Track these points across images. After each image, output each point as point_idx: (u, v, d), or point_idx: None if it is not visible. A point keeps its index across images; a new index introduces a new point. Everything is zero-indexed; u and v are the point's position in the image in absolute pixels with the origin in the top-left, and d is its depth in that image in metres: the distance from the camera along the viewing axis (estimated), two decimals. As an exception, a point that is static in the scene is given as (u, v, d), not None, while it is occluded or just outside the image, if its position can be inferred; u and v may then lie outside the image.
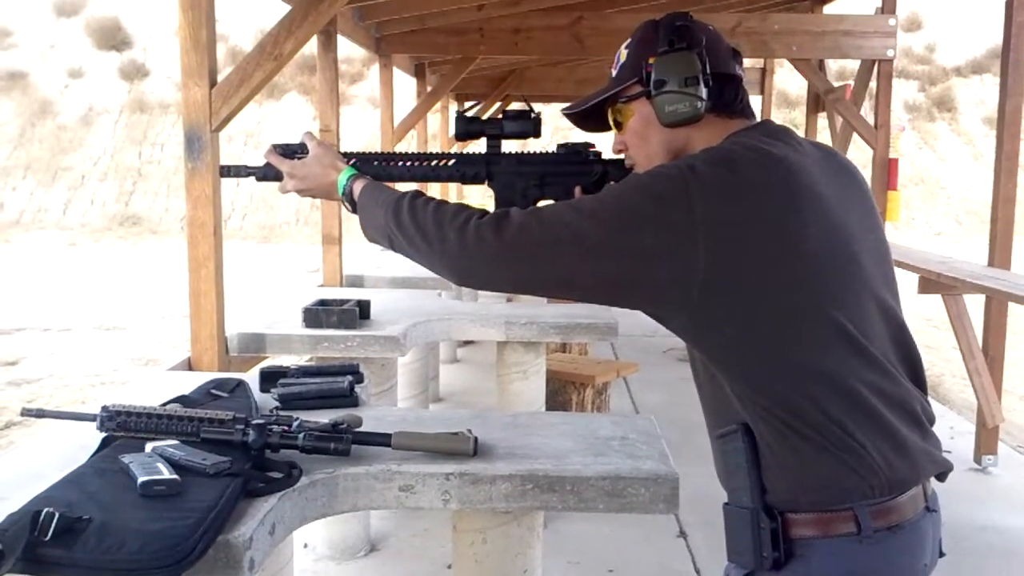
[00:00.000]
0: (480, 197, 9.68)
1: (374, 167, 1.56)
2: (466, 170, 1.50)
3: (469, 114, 1.51)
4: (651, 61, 1.34)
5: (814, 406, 1.21)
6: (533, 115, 1.49)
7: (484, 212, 1.31)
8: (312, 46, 4.35)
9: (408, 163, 1.53)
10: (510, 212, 1.28)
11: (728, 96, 1.35)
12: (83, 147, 20.33)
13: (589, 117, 1.46)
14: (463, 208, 1.32)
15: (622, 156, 1.47)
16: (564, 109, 1.46)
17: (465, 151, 1.59)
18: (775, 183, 1.23)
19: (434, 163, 1.52)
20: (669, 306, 1.25)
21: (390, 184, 1.50)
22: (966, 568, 3.37)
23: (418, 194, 1.39)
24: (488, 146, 1.51)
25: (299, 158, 1.56)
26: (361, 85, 21.03)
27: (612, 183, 1.31)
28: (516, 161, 1.50)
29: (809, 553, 1.22)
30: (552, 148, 1.56)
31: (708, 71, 1.32)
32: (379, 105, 6.35)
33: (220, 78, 2.87)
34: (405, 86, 7.49)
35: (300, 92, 21.12)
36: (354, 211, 1.48)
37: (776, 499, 1.24)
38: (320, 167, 1.53)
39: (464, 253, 1.29)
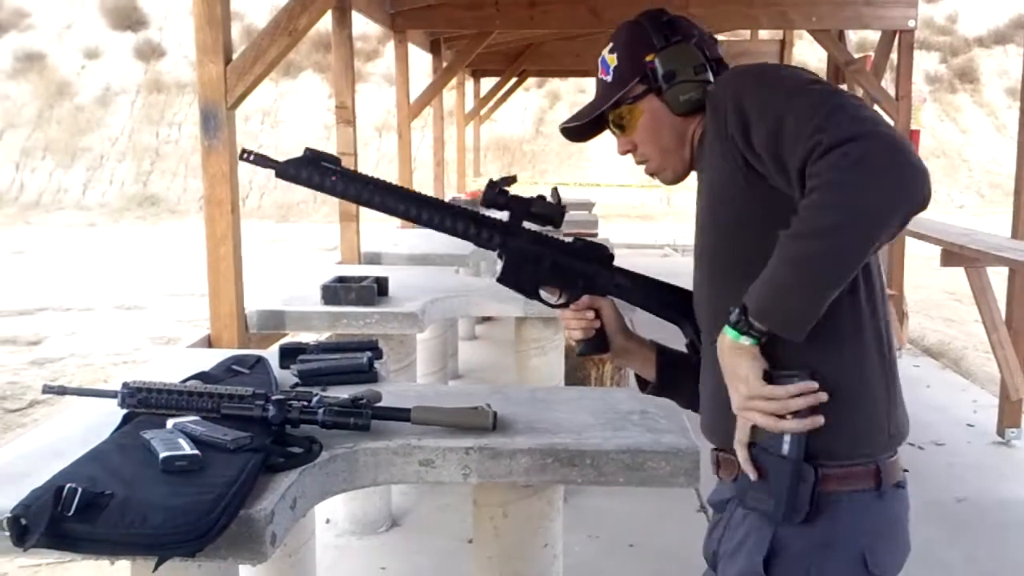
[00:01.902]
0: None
1: (383, 194, 1.49)
2: (483, 232, 1.48)
3: (498, 179, 1.49)
4: (650, 59, 1.37)
5: (882, 345, 1.27)
6: (561, 208, 1.47)
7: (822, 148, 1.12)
8: (327, 23, 4.33)
9: (428, 210, 1.48)
10: (844, 138, 1.09)
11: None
12: (101, 128, 20.40)
13: (583, 129, 1.48)
14: (822, 181, 1.11)
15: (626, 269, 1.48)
16: (564, 124, 1.47)
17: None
18: None
19: (452, 213, 1.48)
20: None
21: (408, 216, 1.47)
22: (989, 542, 3.35)
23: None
24: (511, 217, 1.48)
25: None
26: (377, 62, 20.95)
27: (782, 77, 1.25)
28: (533, 239, 1.48)
29: (835, 511, 1.24)
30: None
31: (708, 56, 1.37)
32: (395, 82, 6.32)
33: (235, 55, 2.85)
34: (420, 62, 7.44)
35: (315, 70, 21.08)
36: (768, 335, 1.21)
37: (814, 447, 1.22)
38: (736, 360, 1.24)
39: (878, 179, 1.08)
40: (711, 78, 1.35)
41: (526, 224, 1.47)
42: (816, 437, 1.23)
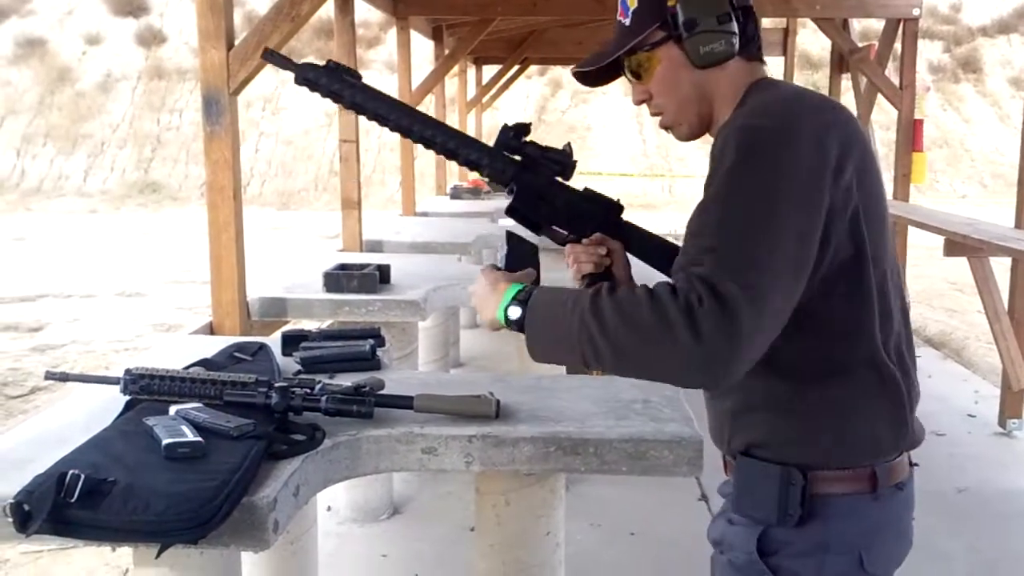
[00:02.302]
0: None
1: (399, 114, 1.47)
2: (496, 163, 1.45)
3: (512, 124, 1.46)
4: (672, 3, 1.28)
5: (890, 357, 1.24)
6: (573, 160, 1.45)
7: (676, 290, 1.11)
8: (329, 10, 4.30)
9: (440, 133, 1.46)
10: (715, 284, 1.08)
11: (751, 30, 1.30)
12: (102, 114, 20.36)
13: (598, 72, 1.40)
14: (659, 298, 1.11)
15: None
16: (576, 67, 1.40)
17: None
18: (859, 129, 1.25)
19: (466, 146, 1.46)
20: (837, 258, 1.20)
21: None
22: (991, 532, 3.35)
23: (610, 287, 1.18)
24: (524, 159, 1.45)
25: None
26: (378, 50, 20.88)
27: (732, 178, 1.17)
28: (548, 180, 1.45)
29: (828, 513, 1.24)
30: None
31: (736, 4, 1.28)
32: (396, 69, 6.30)
33: (237, 41, 2.84)
34: (422, 49, 7.42)
35: (317, 57, 20.99)
36: (518, 327, 1.26)
37: (809, 457, 1.24)
38: (489, 291, 1.33)
39: (708, 337, 1.07)
40: (735, 29, 1.26)
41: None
42: (806, 448, 1.24)
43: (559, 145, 1.47)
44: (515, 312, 1.25)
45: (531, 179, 1.45)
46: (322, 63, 1.50)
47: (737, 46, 1.28)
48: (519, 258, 1.44)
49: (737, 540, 1.30)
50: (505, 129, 1.43)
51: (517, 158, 1.45)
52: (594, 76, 1.41)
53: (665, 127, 1.38)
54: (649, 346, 1.10)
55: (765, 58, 1.36)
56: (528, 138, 1.44)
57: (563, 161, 1.44)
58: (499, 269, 1.38)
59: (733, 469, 1.32)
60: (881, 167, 1.33)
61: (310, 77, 1.47)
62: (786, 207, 1.12)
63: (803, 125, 1.17)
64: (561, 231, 1.46)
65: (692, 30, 1.26)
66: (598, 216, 1.47)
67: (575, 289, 1.24)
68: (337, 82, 1.46)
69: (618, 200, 1.49)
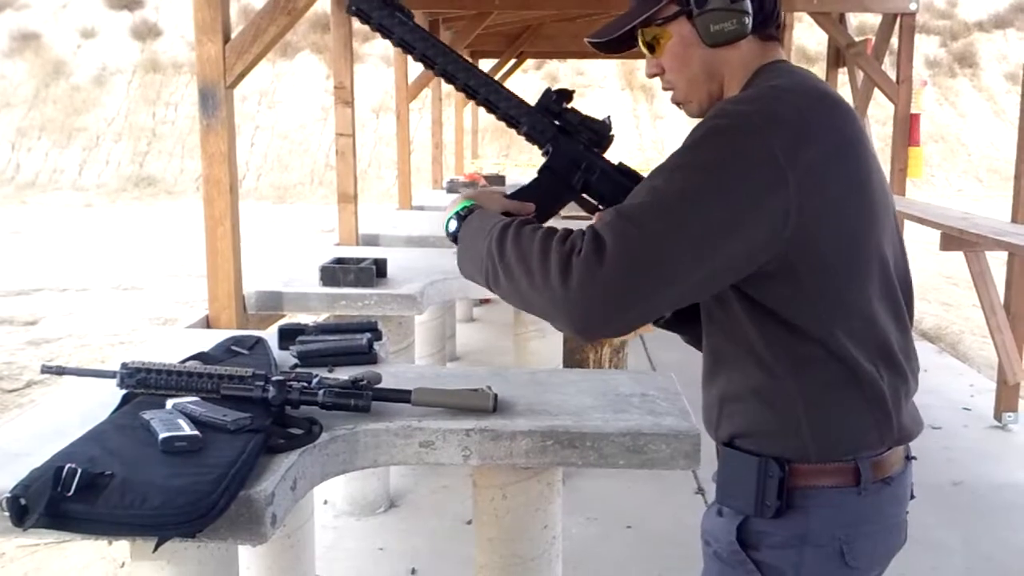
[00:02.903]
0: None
1: (445, 59, 1.45)
2: (535, 124, 1.43)
3: (557, 88, 1.45)
4: None
5: (867, 355, 1.21)
6: (611, 133, 1.44)
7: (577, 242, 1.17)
8: (325, 3, 4.29)
9: (483, 85, 1.44)
10: (596, 233, 1.14)
11: (768, 7, 1.28)
12: (97, 107, 20.30)
13: (616, 41, 1.39)
14: (569, 233, 1.18)
15: None
16: (590, 36, 1.39)
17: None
18: (840, 122, 1.22)
19: (506, 100, 1.45)
20: (761, 263, 1.17)
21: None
22: (986, 526, 3.36)
23: (528, 221, 1.27)
24: (563, 124, 1.44)
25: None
26: (374, 43, 20.82)
27: (676, 162, 1.19)
28: (585, 147, 1.44)
29: (808, 504, 1.23)
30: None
31: None
32: (393, 63, 6.28)
33: (234, 34, 2.83)
34: (419, 43, 7.38)
35: (313, 51, 20.96)
36: (452, 239, 1.36)
37: (788, 450, 1.24)
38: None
39: (571, 284, 1.13)
40: (748, 9, 1.24)
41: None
42: (784, 440, 1.23)
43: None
44: (453, 225, 1.36)
45: (568, 143, 1.43)
46: None
47: (750, 26, 1.26)
48: (562, 165, 1.43)
49: (721, 531, 1.30)
50: (548, 92, 1.43)
51: (556, 123, 1.44)
52: (610, 45, 1.40)
53: (676, 103, 1.37)
54: (529, 281, 1.18)
55: None
56: (569, 105, 1.44)
57: (601, 132, 1.43)
58: (507, 196, 1.43)
59: (718, 459, 1.32)
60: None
61: (363, 8, 1.44)
62: (709, 195, 1.13)
63: (769, 122, 1.15)
64: (591, 200, 1.45)
65: (703, 7, 1.25)
66: (632, 190, 1.47)
67: (505, 217, 1.30)
68: (388, 17, 1.44)
69: None
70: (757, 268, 1.16)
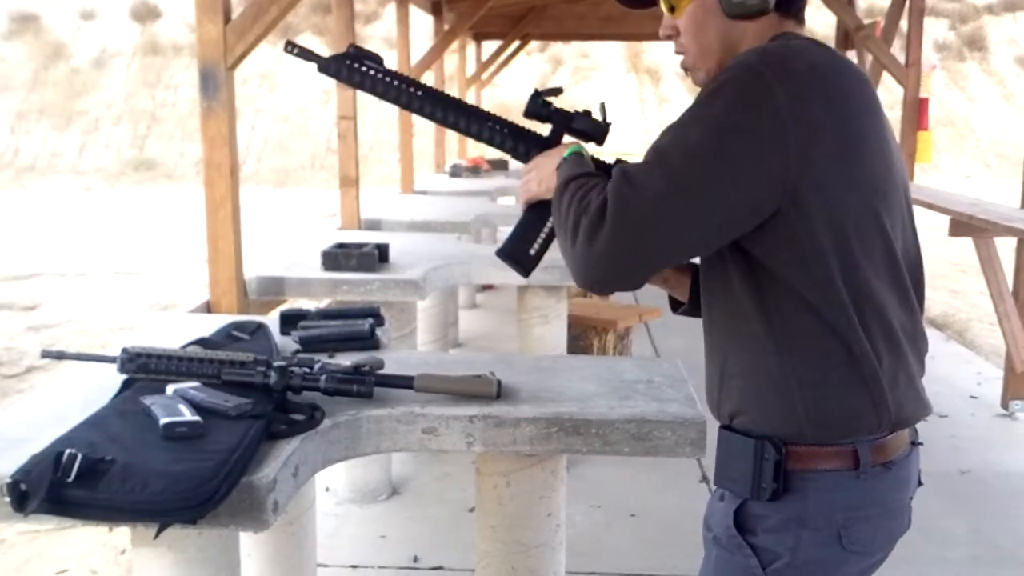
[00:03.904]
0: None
1: (421, 99, 1.47)
2: (519, 146, 1.45)
3: (544, 88, 1.45)
4: None
5: (865, 333, 1.19)
6: (606, 123, 1.42)
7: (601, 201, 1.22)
8: (327, -17, 4.24)
9: (465, 119, 1.46)
10: (605, 202, 1.19)
11: None
12: (97, 90, 20.22)
13: None
14: (580, 201, 1.24)
15: None
16: None
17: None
18: (848, 85, 1.20)
19: (490, 124, 1.46)
20: (763, 220, 1.17)
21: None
22: (993, 514, 3.35)
23: (583, 177, 1.29)
24: (551, 131, 1.44)
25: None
26: (376, 25, 20.72)
27: (682, 123, 1.20)
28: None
29: (805, 487, 1.22)
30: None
31: None
32: (395, 45, 6.24)
33: (234, 15, 2.80)
34: (421, 25, 7.34)
35: (315, 33, 20.85)
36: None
37: (784, 430, 1.23)
38: (548, 159, 1.42)
39: (583, 246, 1.21)
40: None
41: (567, 140, 1.44)
42: (780, 420, 1.22)
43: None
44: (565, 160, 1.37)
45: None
46: (342, 51, 1.50)
47: (772, 2, 1.24)
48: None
49: (720, 516, 1.30)
50: (535, 96, 1.43)
51: (546, 129, 1.45)
52: None
53: (684, 68, 1.36)
54: (562, 239, 1.28)
55: None
56: (557, 107, 1.44)
57: (591, 131, 1.43)
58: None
59: (717, 442, 1.32)
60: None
61: (333, 69, 1.48)
62: (711, 151, 1.15)
63: (776, 73, 1.15)
64: None
65: None
66: None
67: (575, 169, 1.33)
68: (358, 73, 1.47)
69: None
70: (761, 222, 1.17)
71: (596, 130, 1.42)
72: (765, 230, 1.17)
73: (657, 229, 1.17)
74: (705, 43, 1.29)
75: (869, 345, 1.19)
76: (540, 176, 1.40)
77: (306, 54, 1.50)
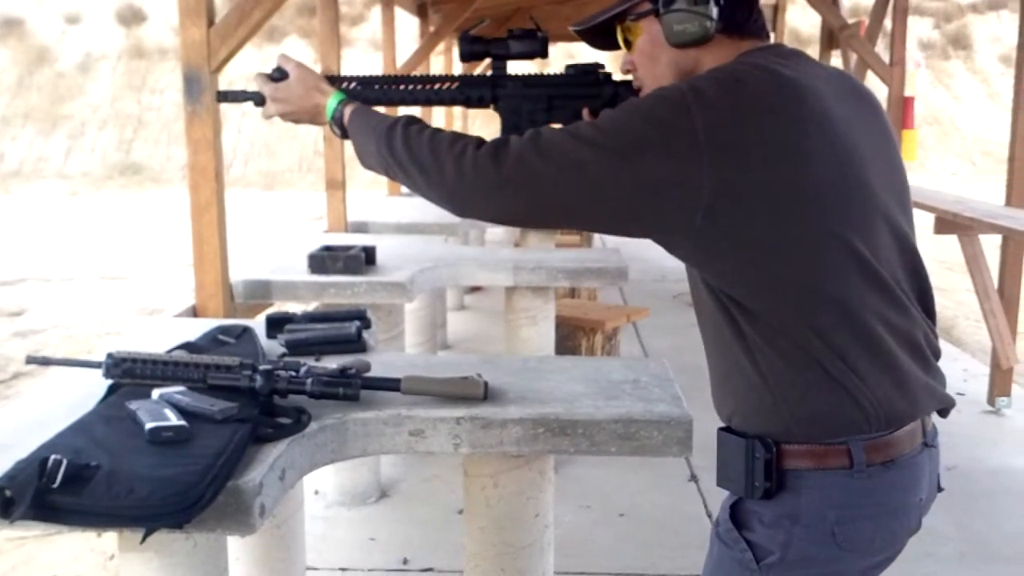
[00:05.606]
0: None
1: (375, 91, 1.52)
2: (471, 93, 1.47)
3: (473, 32, 1.46)
4: None
5: (819, 336, 1.19)
6: (540, 34, 1.44)
7: (481, 141, 1.28)
8: (312, -15, 4.23)
9: (411, 86, 1.50)
10: (508, 141, 1.24)
11: (740, 16, 1.28)
12: (82, 95, 20.13)
13: (601, 35, 1.41)
14: (459, 137, 1.29)
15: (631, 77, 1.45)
16: (573, 25, 1.41)
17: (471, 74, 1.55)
18: (782, 104, 1.19)
19: (437, 86, 1.49)
20: (672, 233, 1.22)
21: (392, 108, 1.47)
22: (980, 511, 3.37)
23: (411, 120, 1.36)
24: (493, 68, 1.47)
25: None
26: (362, 27, 20.70)
27: (609, 110, 1.25)
28: (523, 83, 1.48)
29: (800, 485, 1.23)
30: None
31: None
32: (381, 47, 6.23)
33: (218, 18, 2.79)
34: (407, 27, 7.34)
35: (300, 35, 20.81)
36: (344, 137, 1.47)
37: (772, 429, 1.24)
38: (302, 88, 1.50)
39: (463, 184, 1.26)
40: (711, 12, 1.25)
41: (511, 71, 1.47)
42: (769, 420, 1.24)
43: None
44: (348, 110, 1.44)
45: (508, 93, 1.48)
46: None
47: (712, 29, 1.26)
48: (514, 119, 1.49)
49: (722, 512, 1.33)
50: (463, 37, 1.48)
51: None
52: (593, 38, 1.43)
53: None
54: (426, 179, 1.30)
55: None
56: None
57: (531, 49, 1.48)
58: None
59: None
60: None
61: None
62: (618, 151, 1.17)
63: (697, 99, 1.17)
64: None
65: (668, 7, 1.27)
66: (590, 94, 1.50)
67: (386, 116, 1.39)
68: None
69: (601, 65, 1.53)
70: (680, 238, 1.21)
71: (534, 47, 1.45)
72: (701, 252, 1.21)
73: (544, 200, 1.22)
74: (658, 73, 1.33)
75: (828, 347, 1.19)
76: (291, 108, 1.51)
77: (236, 95, 1.57)
